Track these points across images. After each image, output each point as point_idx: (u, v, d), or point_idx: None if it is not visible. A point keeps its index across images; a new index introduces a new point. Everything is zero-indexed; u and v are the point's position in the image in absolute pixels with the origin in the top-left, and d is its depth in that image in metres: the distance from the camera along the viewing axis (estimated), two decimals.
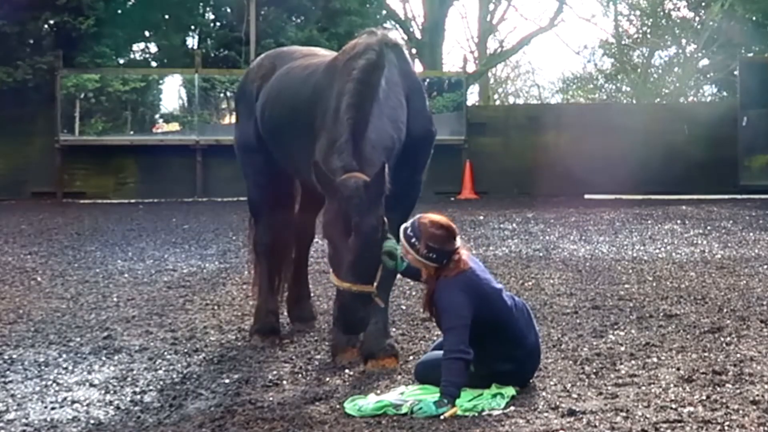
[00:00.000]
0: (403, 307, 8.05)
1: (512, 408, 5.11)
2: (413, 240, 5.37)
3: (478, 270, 5.48)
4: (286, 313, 7.50)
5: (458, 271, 5.35)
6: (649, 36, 33.89)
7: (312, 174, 5.61)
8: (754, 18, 26.63)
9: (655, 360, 6.10)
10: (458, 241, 5.44)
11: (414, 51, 29.81)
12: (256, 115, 7.07)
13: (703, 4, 29.89)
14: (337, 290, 5.57)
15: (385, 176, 5.51)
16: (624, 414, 4.94)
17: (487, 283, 5.45)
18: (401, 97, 6.19)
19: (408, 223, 5.49)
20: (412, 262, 5.49)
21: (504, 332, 5.42)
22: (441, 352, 5.42)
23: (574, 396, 5.32)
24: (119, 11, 23.50)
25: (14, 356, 6.57)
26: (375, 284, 5.55)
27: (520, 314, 5.55)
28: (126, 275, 10.25)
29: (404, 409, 5.09)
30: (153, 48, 25.88)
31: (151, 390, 5.74)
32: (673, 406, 5.05)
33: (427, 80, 23.81)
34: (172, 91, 24.59)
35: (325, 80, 6.38)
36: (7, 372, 6.17)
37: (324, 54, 7.14)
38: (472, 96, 33.99)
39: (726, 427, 4.70)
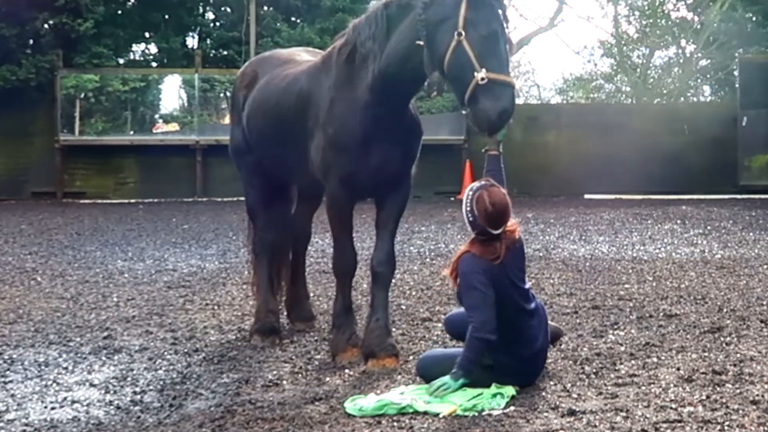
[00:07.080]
0: (403, 307, 8.05)
1: (512, 408, 5.10)
2: (469, 197, 5.54)
3: (510, 261, 5.44)
4: (285, 314, 7.51)
5: (483, 254, 5.37)
6: (648, 34, 33.85)
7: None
8: (754, 18, 26.63)
9: (655, 360, 6.10)
10: (499, 231, 5.43)
11: None
12: (243, 123, 7.18)
13: (703, 4, 29.87)
14: None
15: None
16: (624, 414, 4.93)
17: (512, 278, 5.43)
18: None
19: (477, 183, 5.69)
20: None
21: (512, 329, 5.41)
22: (442, 350, 5.42)
23: (574, 396, 5.31)
24: (119, 12, 23.52)
25: (14, 356, 6.57)
26: None
27: (537, 318, 5.55)
28: (126, 275, 10.25)
29: (414, 405, 5.08)
30: (153, 48, 25.91)
31: (151, 390, 5.74)
32: (673, 406, 5.05)
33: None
34: (171, 91, 24.64)
35: (309, 86, 6.45)
36: (7, 372, 6.17)
37: (302, 59, 7.14)
38: None
39: (726, 427, 4.70)
